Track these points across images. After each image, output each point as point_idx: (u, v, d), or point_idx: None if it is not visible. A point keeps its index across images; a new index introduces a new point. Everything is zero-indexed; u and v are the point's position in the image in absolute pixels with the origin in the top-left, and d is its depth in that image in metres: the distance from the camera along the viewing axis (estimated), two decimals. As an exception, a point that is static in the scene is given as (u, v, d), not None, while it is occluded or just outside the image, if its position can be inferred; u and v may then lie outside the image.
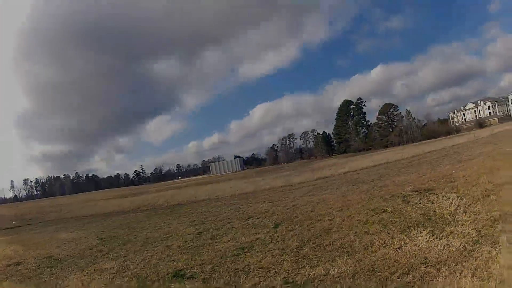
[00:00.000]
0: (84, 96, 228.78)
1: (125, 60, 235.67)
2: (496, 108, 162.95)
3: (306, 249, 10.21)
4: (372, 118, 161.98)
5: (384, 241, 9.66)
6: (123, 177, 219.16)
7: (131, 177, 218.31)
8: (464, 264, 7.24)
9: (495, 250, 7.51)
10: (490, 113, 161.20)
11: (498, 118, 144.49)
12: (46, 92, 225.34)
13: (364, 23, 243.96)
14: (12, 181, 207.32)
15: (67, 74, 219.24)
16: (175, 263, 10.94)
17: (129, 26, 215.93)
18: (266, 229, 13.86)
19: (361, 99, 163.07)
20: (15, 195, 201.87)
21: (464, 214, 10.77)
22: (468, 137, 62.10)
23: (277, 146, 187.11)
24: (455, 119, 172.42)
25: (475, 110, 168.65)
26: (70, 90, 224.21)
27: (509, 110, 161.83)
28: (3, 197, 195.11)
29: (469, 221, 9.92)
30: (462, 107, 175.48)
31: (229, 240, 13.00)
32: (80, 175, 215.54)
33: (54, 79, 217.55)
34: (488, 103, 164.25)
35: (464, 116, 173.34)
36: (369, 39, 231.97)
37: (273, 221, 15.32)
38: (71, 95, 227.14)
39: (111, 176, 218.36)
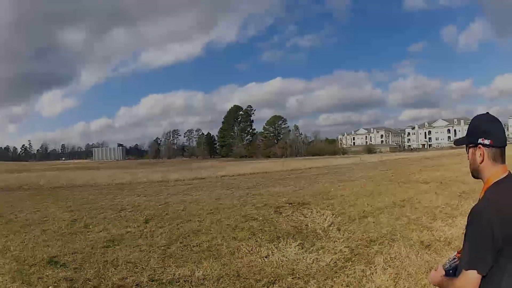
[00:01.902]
0: None
1: (29, 19, 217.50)
2: (390, 138, 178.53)
3: (174, 248, 10.43)
4: (259, 127, 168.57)
5: (252, 248, 9.88)
6: (12, 150, 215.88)
7: (19, 152, 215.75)
8: (334, 279, 7.47)
9: (370, 269, 7.87)
10: (382, 141, 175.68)
11: (390, 147, 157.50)
12: None
13: (276, 34, 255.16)
14: None
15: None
16: (49, 249, 10.87)
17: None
18: (137, 223, 14.16)
19: (251, 106, 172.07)
20: None
21: (338, 232, 11.29)
22: (354, 160, 66.73)
23: (161, 140, 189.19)
24: (344, 141, 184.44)
25: (366, 136, 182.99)
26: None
27: (404, 142, 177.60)
28: None
29: (343, 239, 10.38)
30: (353, 131, 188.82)
31: (101, 231, 13.19)
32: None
33: None
34: (382, 132, 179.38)
35: (354, 140, 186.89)
36: (275, 50, 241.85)
37: (145, 216, 15.67)
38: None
39: (1, 147, 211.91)
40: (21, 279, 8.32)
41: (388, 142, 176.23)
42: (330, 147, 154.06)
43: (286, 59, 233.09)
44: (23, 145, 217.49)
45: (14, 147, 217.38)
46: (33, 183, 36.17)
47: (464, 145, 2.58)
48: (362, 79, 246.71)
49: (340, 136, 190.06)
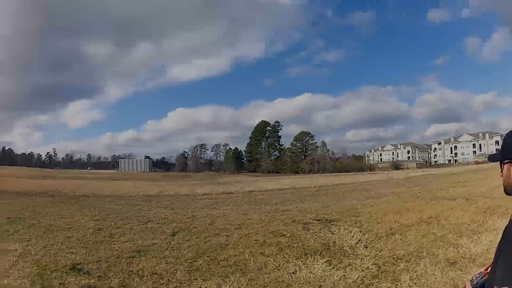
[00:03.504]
0: (9, 58, 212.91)
1: (58, 32, 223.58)
2: (416, 154, 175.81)
3: (201, 262, 10.40)
4: (287, 143, 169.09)
5: (279, 264, 9.84)
6: (36, 156, 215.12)
7: (43, 159, 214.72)
8: (360, 296, 7.48)
9: (396, 287, 7.82)
10: (408, 157, 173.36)
11: (416, 164, 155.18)
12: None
13: (303, 49, 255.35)
14: None
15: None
16: (73, 256, 10.98)
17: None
18: (163, 236, 14.20)
19: (279, 122, 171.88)
20: None
21: (365, 249, 11.22)
22: (381, 176, 65.86)
23: (188, 154, 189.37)
24: (371, 158, 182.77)
25: (393, 152, 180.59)
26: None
27: (431, 158, 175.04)
28: None
29: (370, 256, 10.30)
30: (380, 147, 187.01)
31: (127, 241, 13.28)
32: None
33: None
34: (409, 148, 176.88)
35: (380, 156, 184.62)
36: (303, 65, 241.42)
37: (172, 229, 15.71)
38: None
39: (25, 153, 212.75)
40: (41, 284, 8.44)
41: (415, 158, 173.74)
42: (357, 163, 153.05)
43: (313, 74, 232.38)
44: (48, 152, 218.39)
45: (38, 154, 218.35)
46: (58, 190, 37.25)
47: (498, 161, 2.53)
48: (388, 94, 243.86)
49: (367, 152, 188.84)
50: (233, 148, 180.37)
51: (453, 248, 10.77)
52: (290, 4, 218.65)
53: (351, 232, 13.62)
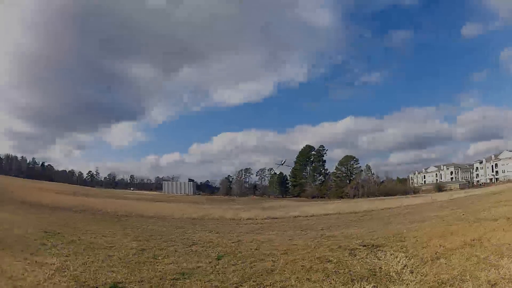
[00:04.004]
0: (57, 78, 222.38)
1: (104, 55, 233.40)
2: (459, 175, 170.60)
3: (246, 286, 10.58)
4: (331, 167, 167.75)
5: (326, 290, 9.92)
6: (77, 174, 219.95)
7: (85, 177, 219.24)
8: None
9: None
10: (452, 178, 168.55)
11: (459, 184, 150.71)
12: (19, 63, 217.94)
13: (344, 73, 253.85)
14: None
15: (44, 48, 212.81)
16: (114, 275, 11.28)
17: (117, 21, 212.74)
18: (208, 259, 14.45)
19: (323, 146, 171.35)
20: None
21: (411, 274, 11.31)
22: (425, 199, 64.35)
23: (232, 178, 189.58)
24: (415, 180, 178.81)
25: (436, 174, 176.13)
26: (45, 66, 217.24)
27: (473, 178, 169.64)
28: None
29: (415, 281, 10.42)
30: (424, 169, 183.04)
31: (171, 263, 13.51)
32: (37, 161, 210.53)
33: (29, 50, 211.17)
34: (451, 169, 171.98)
35: (424, 178, 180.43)
36: (345, 89, 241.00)
37: (217, 252, 15.97)
38: (43, 71, 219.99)
39: (65, 170, 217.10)
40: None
41: (458, 178, 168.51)
42: (401, 186, 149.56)
43: (356, 97, 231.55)
44: (90, 171, 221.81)
45: (79, 172, 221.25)
46: (100, 209, 37.90)
47: None
48: (428, 114, 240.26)
49: (411, 175, 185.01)
50: (278, 173, 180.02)
51: (495, 269, 10.78)
52: (330, 27, 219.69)
53: (397, 257, 13.66)
